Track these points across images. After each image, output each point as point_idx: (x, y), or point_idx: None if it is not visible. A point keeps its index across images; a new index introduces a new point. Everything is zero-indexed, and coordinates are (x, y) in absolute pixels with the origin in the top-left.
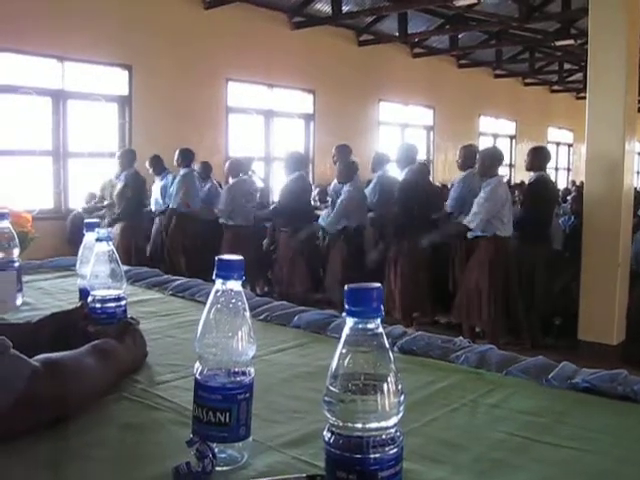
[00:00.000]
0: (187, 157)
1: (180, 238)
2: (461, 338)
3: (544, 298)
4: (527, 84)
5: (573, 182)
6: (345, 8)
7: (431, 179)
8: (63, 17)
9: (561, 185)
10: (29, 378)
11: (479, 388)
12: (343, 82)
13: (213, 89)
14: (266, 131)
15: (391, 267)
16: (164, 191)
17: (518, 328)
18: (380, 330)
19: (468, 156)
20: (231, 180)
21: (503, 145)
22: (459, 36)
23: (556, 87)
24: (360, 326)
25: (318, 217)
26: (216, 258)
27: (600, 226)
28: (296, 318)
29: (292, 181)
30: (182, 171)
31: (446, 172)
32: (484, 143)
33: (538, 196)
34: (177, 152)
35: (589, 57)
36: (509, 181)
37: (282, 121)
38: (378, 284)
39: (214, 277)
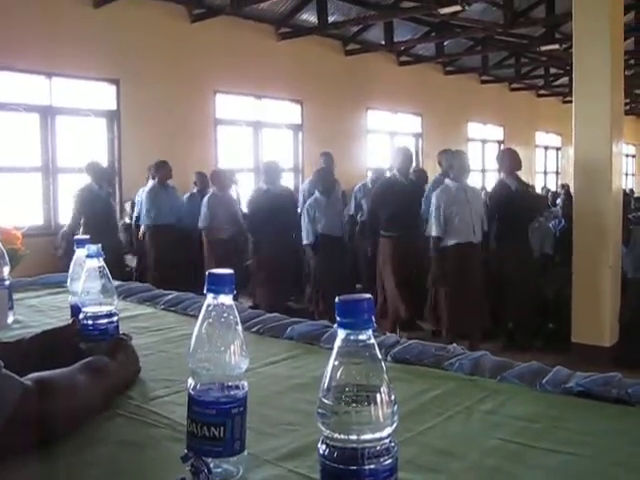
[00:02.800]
0: (157, 170)
1: (153, 252)
2: (454, 345)
3: (530, 300)
4: (514, 89)
5: (562, 185)
6: (331, 18)
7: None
8: (50, 33)
9: (551, 189)
10: (21, 397)
11: (473, 395)
12: (331, 92)
13: (201, 102)
14: (255, 142)
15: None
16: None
17: (495, 330)
18: (372, 341)
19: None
20: (210, 192)
21: (492, 150)
22: (445, 43)
23: (542, 91)
24: (352, 337)
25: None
26: (207, 273)
27: (590, 228)
28: (289, 330)
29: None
30: (149, 185)
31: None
32: (473, 149)
33: (495, 201)
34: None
35: (574, 61)
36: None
37: (271, 132)
38: (368, 295)
39: (205, 291)
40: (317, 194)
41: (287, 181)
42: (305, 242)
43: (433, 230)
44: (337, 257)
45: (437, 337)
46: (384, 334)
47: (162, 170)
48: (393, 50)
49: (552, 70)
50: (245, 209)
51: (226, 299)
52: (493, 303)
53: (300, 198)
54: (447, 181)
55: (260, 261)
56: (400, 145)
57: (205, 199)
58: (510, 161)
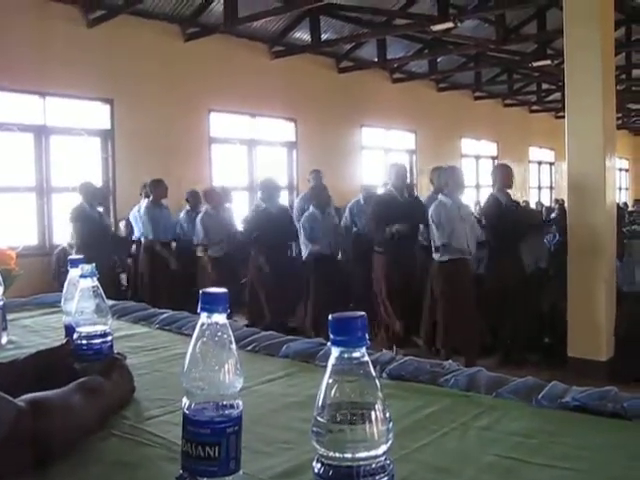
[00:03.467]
0: (153, 188)
1: (147, 271)
2: (450, 362)
3: (526, 315)
4: (507, 105)
5: (556, 200)
6: (324, 36)
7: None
8: (44, 53)
9: (545, 203)
10: (15, 418)
11: (469, 411)
12: (324, 109)
13: (195, 120)
14: (249, 160)
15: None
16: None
17: (493, 345)
18: (366, 359)
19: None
20: (203, 210)
21: (485, 166)
22: (438, 60)
23: (535, 107)
24: (346, 355)
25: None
26: (200, 291)
27: (584, 243)
28: (284, 348)
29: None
30: (144, 203)
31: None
32: (467, 165)
33: (487, 216)
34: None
35: (566, 76)
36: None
37: (265, 150)
38: (362, 313)
39: (199, 310)
40: (312, 209)
41: (282, 198)
42: (305, 256)
43: (440, 238)
44: (331, 274)
45: (433, 354)
46: (380, 351)
47: (158, 189)
48: (386, 67)
49: (544, 86)
50: (241, 227)
51: (220, 318)
52: (490, 319)
53: (294, 213)
54: (441, 197)
55: (259, 280)
56: (395, 161)
57: (199, 217)
58: (502, 177)
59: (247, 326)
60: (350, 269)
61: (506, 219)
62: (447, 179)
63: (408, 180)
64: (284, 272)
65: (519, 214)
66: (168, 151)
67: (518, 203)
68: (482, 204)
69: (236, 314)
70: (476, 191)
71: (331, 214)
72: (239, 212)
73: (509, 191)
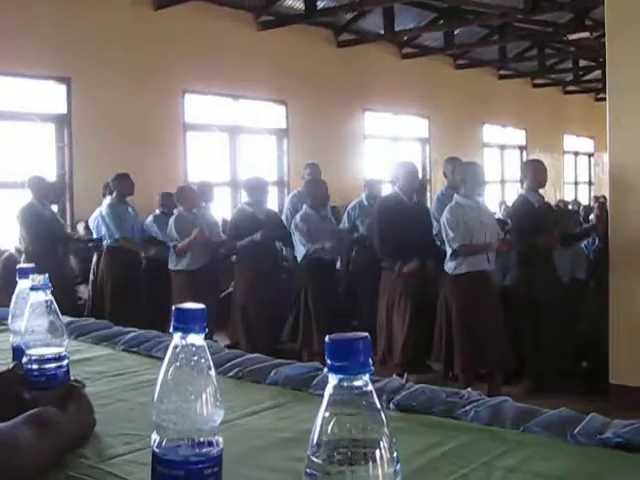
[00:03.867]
0: (116, 183)
1: (111, 282)
2: (469, 390)
3: (561, 335)
4: (537, 85)
5: (596, 198)
6: (320, 4)
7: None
8: None
9: (582, 202)
10: None
11: (493, 449)
12: (321, 90)
13: (168, 103)
14: (232, 151)
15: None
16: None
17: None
18: (369, 387)
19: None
20: (176, 213)
21: (512, 157)
22: (455, 32)
23: (571, 87)
24: (345, 384)
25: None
26: (173, 307)
27: (629, 249)
28: (273, 373)
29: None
30: (106, 201)
31: None
32: (490, 156)
33: (516, 219)
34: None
35: (607, 51)
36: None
37: (250, 138)
38: (365, 334)
39: (171, 330)
40: (306, 208)
41: (270, 198)
42: (300, 260)
43: (453, 245)
44: (329, 285)
45: (450, 380)
46: (387, 377)
47: (123, 184)
48: (394, 40)
49: (582, 62)
50: (223, 232)
51: (196, 339)
52: (518, 339)
53: (282, 217)
54: (457, 198)
55: (244, 293)
56: (404, 160)
57: (170, 221)
58: (534, 174)
59: (229, 347)
60: (352, 280)
61: (538, 223)
62: (464, 176)
63: (419, 181)
64: (272, 287)
65: (553, 217)
66: (135, 140)
67: (550, 204)
68: (508, 204)
69: (216, 334)
70: (501, 187)
71: (328, 215)
72: (220, 213)
73: (541, 190)
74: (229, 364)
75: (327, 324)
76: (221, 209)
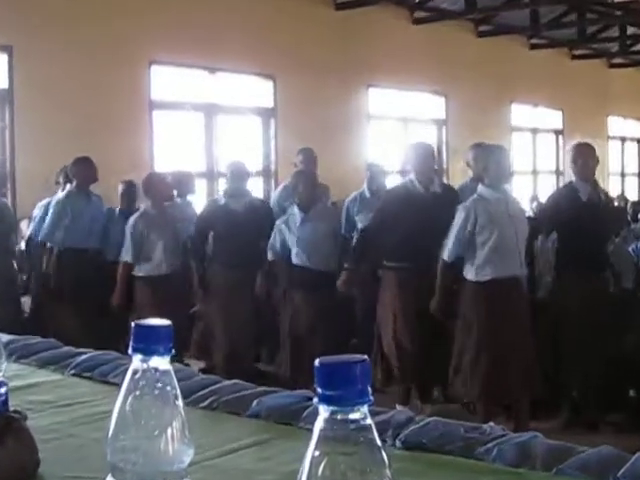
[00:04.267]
0: (75, 169)
1: (59, 292)
2: (492, 424)
3: (604, 357)
4: (576, 57)
5: None
6: None
7: None
8: None
9: (630, 197)
10: None
11: None
12: (315, 63)
13: (130, 77)
14: (208, 134)
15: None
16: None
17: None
18: (368, 421)
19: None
20: (142, 209)
21: (545, 143)
22: None
23: (617, 60)
24: (339, 417)
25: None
26: (133, 324)
27: None
28: (255, 404)
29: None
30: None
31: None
32: (519, 142)
33: (555, 214)
34: None
35: None
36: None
37: (230, 119)
38: (363, 356)
39: (130, 352)
40: (295, 209)
41: (252, 189)
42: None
43: (446, 253)
44: (322, 300)
45: (470, 412)
46: (394, 407)
47: (83, 169)
48: (404, 3)
49: (630, 30)
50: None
51: (160, 362)
52: (549, 362)
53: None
54: (481, 189)
55: (212, 306)
56: (417, 141)
57: (131, 220)
58: (583, 161)
59: (203, 372)
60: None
61: (584, 219)
62: (487, 163)
63: (436, 165)
64: (247, 296)
65: (606, 213)
66: (90, 121)
67: (608, 195)
68: (541, 201)
69: (188, 355)
70: (532, 180)
71: (326, 214)
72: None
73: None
74: (202, 392)
75: (319, 344)
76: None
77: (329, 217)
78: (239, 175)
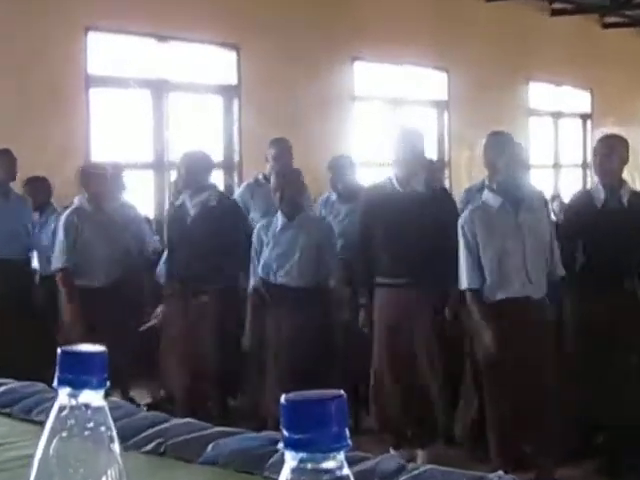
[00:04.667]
0: None
1: None
2: (500, 474)
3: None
4: (608, 25)
5: None
6: None
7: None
8: None
9: None
10: None
11: None
12: (288, 29)
13: (63, 46)
14: (157, 116)
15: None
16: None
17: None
18: (345, 472)
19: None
20: (75, 205)
21: (570, 130)
22: None
23: None
24: (309, 466)
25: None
26: (59, 350)
27: None
28: (210, 447)
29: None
30: None
31: (471, 180)
32: (538, 128)
33: (564, 221)
34: None
35: None
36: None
37: (184, 98)
38: (338, 392)
39: (55, 384)
40: (279, 216)
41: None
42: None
43: (464, 280)
44: (301, 323)
45: (480, 461)
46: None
47: (2, 163)
48: None
49: None
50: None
51: (93, 397)
52: (579, 400)
53: None
54: (485, 194)
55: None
56: (405, 126)
57: (63, 219)
58: (601, 157)
59: (149, 407)
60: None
61: (603, 227)
62: (493, 157)
63: (434, 156)
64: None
65: (628, 220)
66: (13, 99)
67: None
68: (564, 201)
69: (137, 387)
70: (554, 175)
71: (308, 217)
72: (140, 208)
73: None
74: (146, 433)
75: (294, 375)
76: (143, 203)
77: (315, 229)
78: (198, 168)
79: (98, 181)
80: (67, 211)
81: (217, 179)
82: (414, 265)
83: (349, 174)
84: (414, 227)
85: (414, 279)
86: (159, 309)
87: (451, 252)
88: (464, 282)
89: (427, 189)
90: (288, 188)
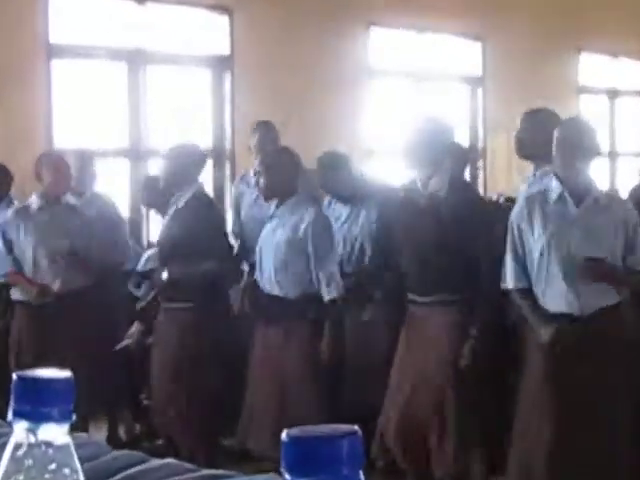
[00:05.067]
0: None
1: None
2: None
3: None
4: None
5: None
6: None
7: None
8: None
9: None
10: None
11: None
12: None
13: (19, 9)
14: (132, 93)
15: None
16: None
17: None
18: None
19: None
20: (31, 200)
21: (631, 111)
22: None
23: None
24: None
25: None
26: (14, 376)
27: None
28: None
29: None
30: None
31: (511, 172)
32: (590, 108)
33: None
34: None
35: None
36: None
37: (165, 72)
38: (352, 427)
39: (9, 417)
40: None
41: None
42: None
43: (508, 279)
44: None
45: None
46: None
47: None
48: None
49: None
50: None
51: (55, 432)
52: None
53: (231, 215)
54: (546, 180)
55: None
56: (426, 115)
57: (9, 215)
58: None
59: (125, 446)
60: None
61: None
62: (537, 136)
63: (457, 144)
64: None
65: None
66: None
67: None
68: (622, 193)
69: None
70: (609, 164)
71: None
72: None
73: None
74: (121, 476)
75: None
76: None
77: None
78: (184, 163)
79: (54, 171)
80: (11, 210)
81: (206, 170)
82: (429, 282)
83: (343, 173)
84: (430, 241)
85: (428, 297)
86: (134, 327)
87: (475, 264)
88: (509, 282)
89: (451, 192)
90: (267, 172)
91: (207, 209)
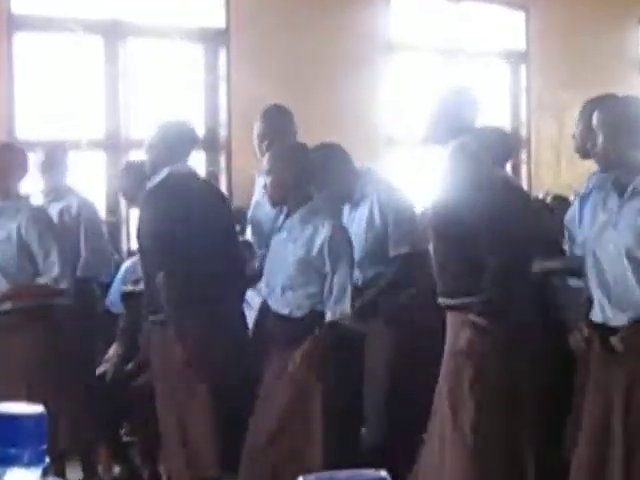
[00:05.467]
0: None
1: None
2: None
3: None
4: None
5: None
6: None
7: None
8: None
9: None
10: None
11: None
12: None
13: None
14: (110, 72)
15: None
16: None
17: None
18: None
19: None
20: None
21: None
22: None
23: None
24: None
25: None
26: None
27: None
28: None
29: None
30: None
31: (560, 164)
32: None
33: None
34: None
35: None
36: None
37: (149, 48)
38: (380, 473)
39: None
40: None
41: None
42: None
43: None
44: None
45: None
46: None
47: None
48: None
49: None
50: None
51: (25, 477)
52: None
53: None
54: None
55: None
56: (455, 87)
57: None
58: None
59: None
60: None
61: None
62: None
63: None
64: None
65: None
66: None
67: None
68: None
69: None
70: None
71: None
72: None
73: None
74: None
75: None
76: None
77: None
78: (177, 142)
79: (5, 165)
80: None
81: (197, 162)
82: (447, 284)
83: (344, 170)
84: (451, 237)
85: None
86: (112, 350)
87: (489, 267)
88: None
89: (480, 183)
90: (274, 174)
91: (171, 199)
